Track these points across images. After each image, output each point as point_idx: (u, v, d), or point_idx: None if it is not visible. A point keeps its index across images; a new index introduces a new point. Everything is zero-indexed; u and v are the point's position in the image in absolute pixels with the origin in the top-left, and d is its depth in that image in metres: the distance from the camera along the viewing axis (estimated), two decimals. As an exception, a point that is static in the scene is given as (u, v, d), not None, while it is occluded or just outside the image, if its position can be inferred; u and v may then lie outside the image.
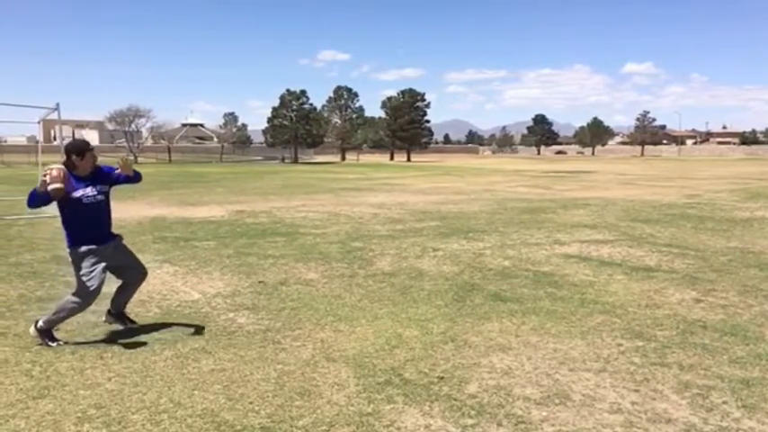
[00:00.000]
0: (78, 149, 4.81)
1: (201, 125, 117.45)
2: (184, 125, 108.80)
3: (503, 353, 4.71)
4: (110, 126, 74.49)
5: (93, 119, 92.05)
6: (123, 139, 70.97)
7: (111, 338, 5.05)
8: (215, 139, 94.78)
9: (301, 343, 4.94)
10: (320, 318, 5.65)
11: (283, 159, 73.33)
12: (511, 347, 4.83)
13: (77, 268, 4.82)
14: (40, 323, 4.90)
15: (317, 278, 7.34)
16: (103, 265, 4.88)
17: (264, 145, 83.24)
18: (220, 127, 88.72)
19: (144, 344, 4.92)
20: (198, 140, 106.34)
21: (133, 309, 5.60)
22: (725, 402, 3.79)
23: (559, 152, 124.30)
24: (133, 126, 72.01)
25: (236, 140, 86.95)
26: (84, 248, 4.80)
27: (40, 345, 4.85)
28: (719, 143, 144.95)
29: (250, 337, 5.10)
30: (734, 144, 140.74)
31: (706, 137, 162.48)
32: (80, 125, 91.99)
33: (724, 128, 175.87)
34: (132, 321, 5.39)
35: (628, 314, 5.75)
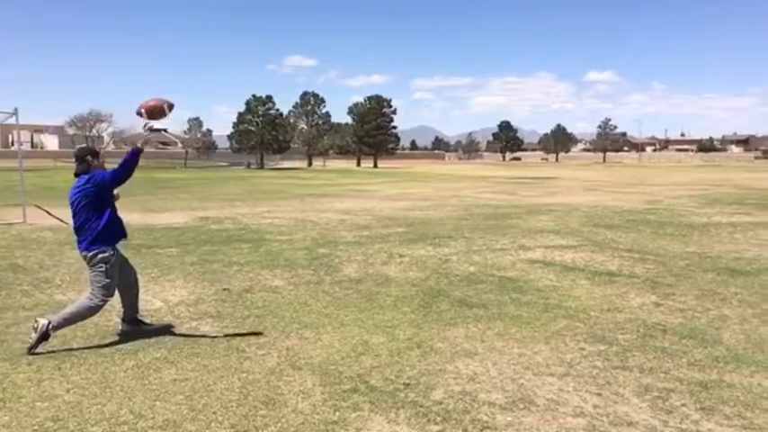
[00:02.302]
0: (92, 151, 5.25)
1: (165, 130, 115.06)
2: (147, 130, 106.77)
3: (468, 358, 4.73)
4: (70, 131, 73.06)
5: (53, 123, 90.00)
6: (84, 145, 69.53)
7: (70, 349, 4.92)
8: (179, 145, 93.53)
9: (266, 351, 4.89)
10: (285, 325, 5.60)
11: (249, 165, 72.76)
12: (476, 353, 4.86)
13: (108, 271, 4.99)
14: (53, 323, 4.85)
15: (282, 285, 7.28)
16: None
17: (230, 150, 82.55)
18: (185, 132, 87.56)
19: (104, 354, 4.82)
20: (161, 146, 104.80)
21: (93, 318, 5.47)
22: (684, 405, 3.87)
23: (514, 158, 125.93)
24: (94, 131, 70.73)
25: (201, 146, 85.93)
26: (113, 249, 5.04)
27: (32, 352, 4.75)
28: (678, 150, 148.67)
29: (214, 345, 5.03)
30: (692, 151, 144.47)
31: (665, 144, 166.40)
32: (39, 130, 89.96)
33: (682, 135, 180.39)
34: (149, 324, 5.47)
35: (590, 318, 5.84)
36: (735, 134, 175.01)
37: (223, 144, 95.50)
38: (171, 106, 5.44)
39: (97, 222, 4.96)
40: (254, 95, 75.02)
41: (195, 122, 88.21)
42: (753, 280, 7.54)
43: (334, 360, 4.67)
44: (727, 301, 6.48)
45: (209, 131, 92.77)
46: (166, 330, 5.44)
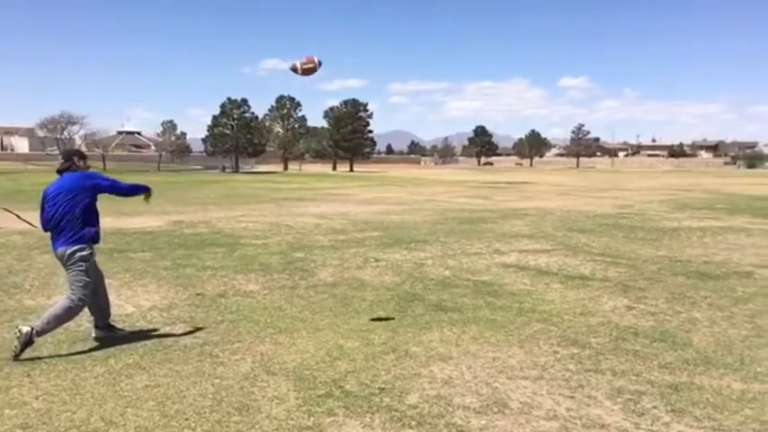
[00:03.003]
0: (80, 153, 5.43)
1: (138, 133, 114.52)
2: (120, 133, 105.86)
3: (443, 362, 4.74)
4: (40, 133, 71.86)
5: (23, 125, 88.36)
6: (55, 147, 68.47)
7: (39, 355, 4.83)
8: (152, 148, 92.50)
9: (240, 356, 4.85)
10: (260, 330, 5.56)
11: (224, 168, 72.25)
12: (451, 357, 4.87)
13: (88, 268, 4.97)
14: (37, 329, 4.79)
15: (257, 290, 7.23)
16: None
17: (204, 154, 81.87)
18: (158, 135, 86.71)
19: (74, 360, 4.73)
20: (134, 149, 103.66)
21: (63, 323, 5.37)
22: (655, 407, 3.92)
23: (486, 163, 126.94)
24: (65, 133, 69.65)
25: (175, 149, 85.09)
26: (91, 249, 5.03)
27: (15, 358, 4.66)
28: (649, 155, 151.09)
29: (187, 351, 4.97)
30: (662, 156, 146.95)
31: (637, 149, 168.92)
32: (8, 132, 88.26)
33: (653, 141, 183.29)
34: (121, 329, 5.43)
35: (564, 322, 5.90)
36: (704, 140, 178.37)
37: (197, 147, 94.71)
38: (320, 63, 6.39)
39: (81, 220, 4.94)
40: (229, 98, 74.64)
41: (169, 125, 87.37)
42: (722, 284, 7.68)
43: (309, 365, 4.65)
44: (696, 305, 6.59)
45: (184, 134, 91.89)
46: (138, 336, 5.36)
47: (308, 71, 6.24)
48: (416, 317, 6.04)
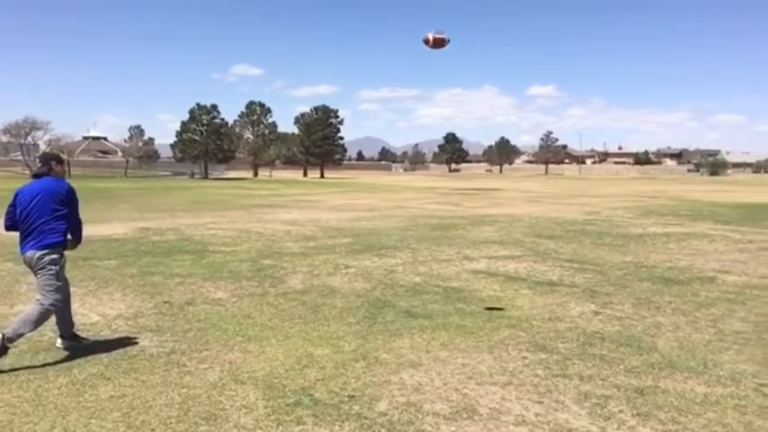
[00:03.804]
0: (58, 158, 5.39)
1: (105, 138, 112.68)
2: (86, 138, 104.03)
3: (413, 369, 4.74)
4: (4, 138, 70.17)
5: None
6: (18, 153, 66.98)
7: (0, 367, 4.70)
8: (119, 153, 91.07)
9: (208, 365, 4.79)
10: (228, 338, 5.50)
11: (193, 175, 71.45)
12: (421, 363, 4.88)
13: (59, 272, 4.92)
14: (7, 335, 4.69)
15: (226, 297, 7.16)
16: None
17: (173, 160, 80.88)
18: (125, 141, 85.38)
19: (37, 371, 4.62)
20: (101, 154, 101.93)
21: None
22: (621, 411, 3.98)
23: (454, 170, 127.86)
24: (29, 139, 68.16)
25: (143, 155, 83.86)
26: (61, 253, 4.97)
27: None
28: (616, 163, 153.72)
29: (153, 360, 4.89)
30: (629, 164, 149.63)
31: (604, 156, 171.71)
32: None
33: (620, 148, 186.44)
34: (85, 338, 5.35)
35: (532, 327, 5.95)
36: (669, 148, 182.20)
37: (166, 153, 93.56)
38: (449, 41, 6.91)
39: (52, 225, 4.87)
40: (198, 104, 73.94)
41: (136, 131, 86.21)
42: (686, 289, 7.84)
43: (278, 373, 4.61)
44: (661, 310, 6.71)
45: (151, 140, 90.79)
46: (103, 345, 5.26)
47: (438, 42, 6.80)
48: (387, 323, 6.04)
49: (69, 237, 5.09)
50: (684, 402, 4.12)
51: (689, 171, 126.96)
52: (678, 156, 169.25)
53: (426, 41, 6.76)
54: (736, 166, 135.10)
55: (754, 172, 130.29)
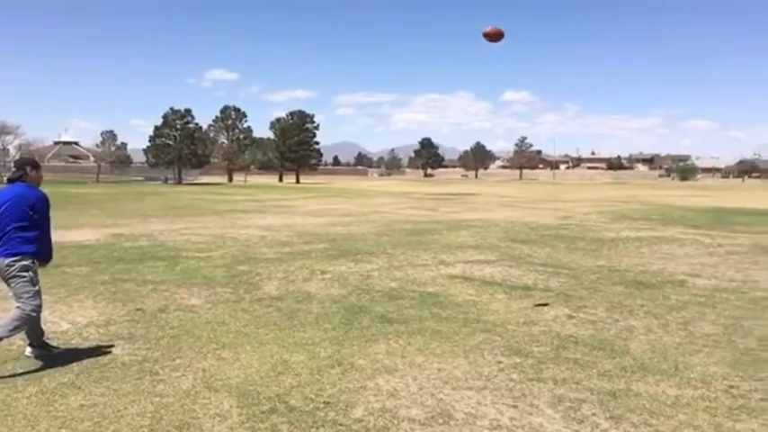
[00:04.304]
0: (33, 162, 5.23)
1: (76, 143, 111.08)
2: (57, 143, 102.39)
3: (389, 374, 4.74)
4: (-28, 142, 68.67)
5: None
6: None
7: (-34, 376, 4.59)
8: (91, 158, 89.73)
9: (181, 373, 4.73)
10: (202, 345, 5.44)
11: (166, 180, 70.62)
12: (397, 369, 4.88)
13: (33, 277, 4.83)
14: None
15: (199, 304, 7.08)
16: None
17: (146, 165, 79.89)
18: (97, 145, 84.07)
19: (5, 380, 4.52)
20: (72, 159, 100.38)
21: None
22: (594, 414, 4.02)
23: (427, 175, 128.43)
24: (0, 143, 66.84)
25: (115, 160, 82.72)
26: (32, 260, 4.87)
27: None
28: (589, 168, 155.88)
29: (125, 368, 4.82)
30: (602, 169, 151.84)
31: (577, 162, 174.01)
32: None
33: (593, 154, 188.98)
34: (56, 347, 5.24)
35: (507, 332, 5.99)
36: (641, 153, 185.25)
37: (139, 158, 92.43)
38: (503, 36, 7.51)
39: (24, 232, 4.78)
40: (172, 108, 73.03)
41: (109, 135, 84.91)
42: (657, 292, 7.95)
43: (253, 380, 4.57)
44: (634, 313, 6.80)
45: (124, 145, 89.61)
46: (74, 354, 5.16)
47: (496, 34, 7.31)
48: (362, 329, 6.03)
49: (38, 249, 4.90)
50: (656, 405, 4.17)
51: (660, 176, 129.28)
52: (650, 161, 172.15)
53: (486, 35, 7.19)
54: (706, 171, 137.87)
55: (723, 177, 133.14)
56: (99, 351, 5.27)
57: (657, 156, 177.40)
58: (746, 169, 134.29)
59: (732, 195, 43.40)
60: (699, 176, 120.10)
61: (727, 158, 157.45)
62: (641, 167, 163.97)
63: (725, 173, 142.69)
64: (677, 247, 12.64)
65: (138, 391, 4.33)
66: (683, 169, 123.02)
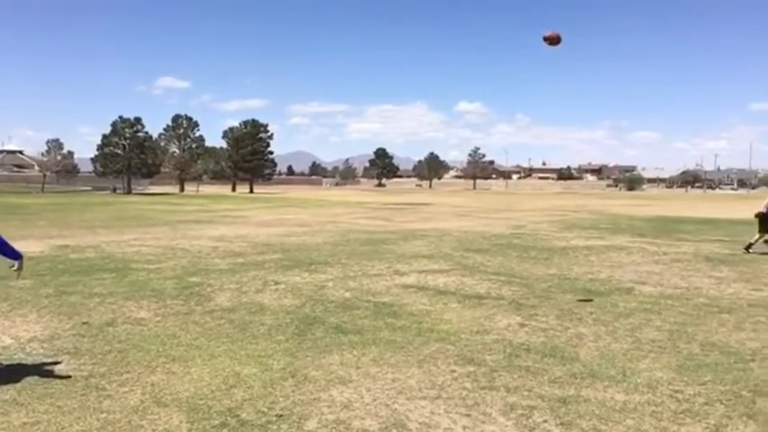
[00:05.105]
0: None
1: (20, 152, 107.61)
2: (0, 152, 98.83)
3: (343, 385, 4.72)
4: None
5: None
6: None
7: None
8: (36, 168, 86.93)
9: (129, 388, 4.60)
10: (151, 359, 5.31)
11: (115, 190, 68.93)
12: (351, 380, 4.86)
13: None
14: None
15: (149, 317, 6.91)
16: None
17: (94, 174, 77.86)
18: (43, 154, 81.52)
19: (-61, 400, 4.32)
20: (16, 169, 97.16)
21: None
22: (545, 421, 4.08)
23: (379, 185, 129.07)
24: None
25: (62, 169, 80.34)
26: None
27: None
28: (540, 178, 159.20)
29: (70, 384, 4.66)
30: (552, 179, 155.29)
31: (529, 172, 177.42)
32: None
33: (544, 164, 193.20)
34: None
35: (461, 341, 6.03)
36: (589, 164, 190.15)
37: (86, 167, 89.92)
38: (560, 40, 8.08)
39: None
40: (120, 117, 71.46)
41: (55, 144, 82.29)
42: (606, 300, 8.14)
43: (204, 394, 4.48)
44: (583, 321, 6.94)
45: (71, 154, 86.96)
46: (16, 370, 4.97)
47: (555, 39, 7.89)
48: (316, 340, 5.99)
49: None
50: (605, 410, 4.26)
51: (608, 186, 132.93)
52: (598, 171, 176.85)
53: (546, 38, 7.80)
54: (651, 181, 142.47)
55: (667, 187, 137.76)
56: (43, 366, 5.09)
57: (605, 166, 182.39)
58: (689, 179, 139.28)
59: (676, 205, 44.92)
60: (645, 186, 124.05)
61: (671, 169, 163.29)
62: (590, 177, 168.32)
63: (669, 183, 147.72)
64: (625, 256, 12.99)
65: (84, 408, 4.19)
66: (629, 179, 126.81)
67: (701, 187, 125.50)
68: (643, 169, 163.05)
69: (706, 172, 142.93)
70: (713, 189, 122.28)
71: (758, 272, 10.78)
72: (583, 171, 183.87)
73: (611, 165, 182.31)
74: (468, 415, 4.17)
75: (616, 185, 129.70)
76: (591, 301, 7.89)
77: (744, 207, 27.11)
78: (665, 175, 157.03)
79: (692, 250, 14.05)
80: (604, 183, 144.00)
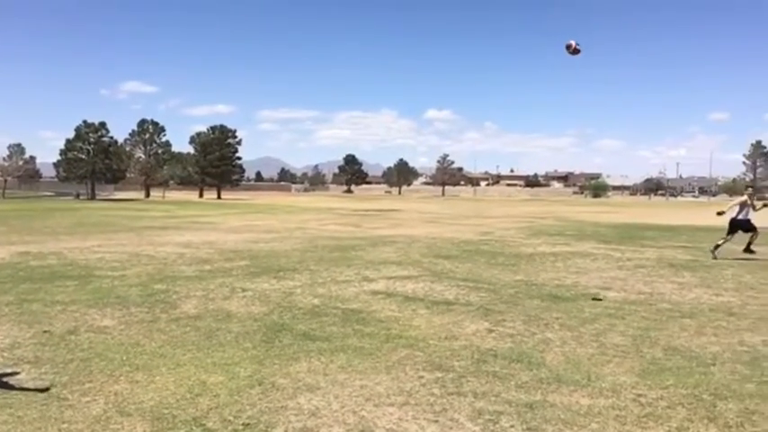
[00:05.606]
0: None
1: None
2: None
3: (311, 393, 4.69)
4: None
5: None
6: None
7: None
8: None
9: (91, 398, 4.50)
10: (114, 368, 5.21)
11: (78, 195, 67.61)
12: (319, 387, 4.83)
13: None
14: None
15: (112, 325, 6.78)
16: None
17: (57, 180, 76.29)
18: (3, 159, 79.54)
19: None
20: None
21: None
22: (512, 426, 4.11)
23: (347, 191, 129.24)
24: None
25: (23, 174, 78.54)
26: None
27: None
28: (508, 185, 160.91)
29: (30, 394, 4.54)
30: (520, 186, 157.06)
31: (497, 179, 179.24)
32: None
33: (512, 171, 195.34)
34: None
35: (429, 347, 6.05)
36: (556, 171, 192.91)
37: (49, 172, 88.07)
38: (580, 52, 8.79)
39: None
40: (85, 121, 70.23)
41: (16, 148, 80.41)
42: (571, 305, 8.25)
43: (168, 403, 4.41)
44: (549, 326, 7.02)
45: (33, 158, 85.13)
46: (-28, 381, 4.83)
47: (575, 51, 8.55)
48: (284, 347, 5.95)
49: None
50: (570, 415, 4.31)
51: (574, 193, 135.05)
52: (565, 178, 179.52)
53: (569, 47, 8.33)
54: (616, 188, 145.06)
55: (631, 194, 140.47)
56: (2, 376, 4.95)
57: (572, 173, 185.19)
58: (652, 187, 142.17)
59: (640, 212, 45.81)
60: (610, 193, 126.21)
61: (635, 176, 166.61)
62: (557, 185, 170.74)
63: (633, 190, 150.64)
64: (590, 262, 13.18)
65: (45, 418, 4.09)
66: (595, 186, 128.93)
67: (663, 195, 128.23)
68: (608, 176, 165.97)
69: (669, 180, 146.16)
70: (675, 197, 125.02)
71: (718, 277, 11.05)
72: (550, 178, 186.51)
73: (577, 172, 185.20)
74: (436, 421, 4.18)
75: (582, 192, 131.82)
76: (600, 300, 8.48)
77: (705, 214, 27.76)
78: (630, 183, 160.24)
79: (655, 256, 14.33)
80: (571, 190, 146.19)
